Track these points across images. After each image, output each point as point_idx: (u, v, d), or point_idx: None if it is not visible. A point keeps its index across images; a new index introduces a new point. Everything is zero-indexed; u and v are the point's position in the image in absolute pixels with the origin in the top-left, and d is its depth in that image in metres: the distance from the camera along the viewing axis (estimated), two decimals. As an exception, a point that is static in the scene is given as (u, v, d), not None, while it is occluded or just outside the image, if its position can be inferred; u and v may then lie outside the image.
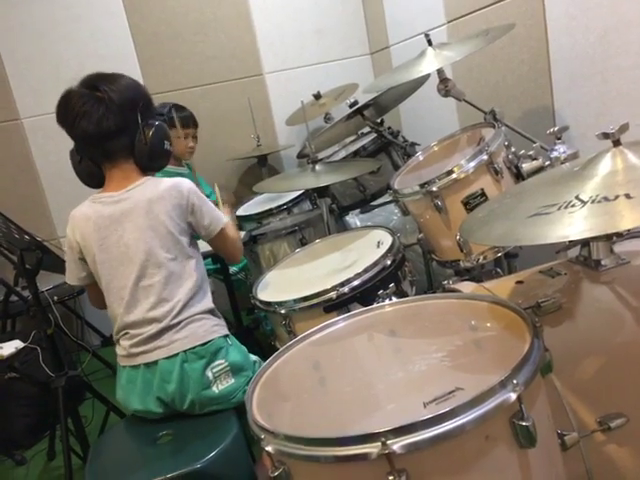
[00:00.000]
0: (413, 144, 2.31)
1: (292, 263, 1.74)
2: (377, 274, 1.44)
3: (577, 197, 0.91)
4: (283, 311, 1.45)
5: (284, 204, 2.63)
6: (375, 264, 1.46)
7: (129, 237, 1.37)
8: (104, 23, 3.09)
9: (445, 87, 1.75)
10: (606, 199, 0.86)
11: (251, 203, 2.86)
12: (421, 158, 1.79)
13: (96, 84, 1.35)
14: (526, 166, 1.50)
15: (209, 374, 1.36)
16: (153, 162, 1.44)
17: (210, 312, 1.43)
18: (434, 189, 1.47)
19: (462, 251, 1.48)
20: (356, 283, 1.42)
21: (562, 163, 1.36)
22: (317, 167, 1.89)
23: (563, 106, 2.00)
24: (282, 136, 3.41)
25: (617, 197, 0.86)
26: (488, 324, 1.03)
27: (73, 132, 1.37)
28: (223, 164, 3.22)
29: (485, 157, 1.46)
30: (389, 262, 1.48)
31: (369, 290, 1.42)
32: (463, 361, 0.97)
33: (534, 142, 1.67)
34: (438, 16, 2.57)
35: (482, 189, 1.48)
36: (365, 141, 2.40)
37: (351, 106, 2.20)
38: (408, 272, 1.62)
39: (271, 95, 3.37)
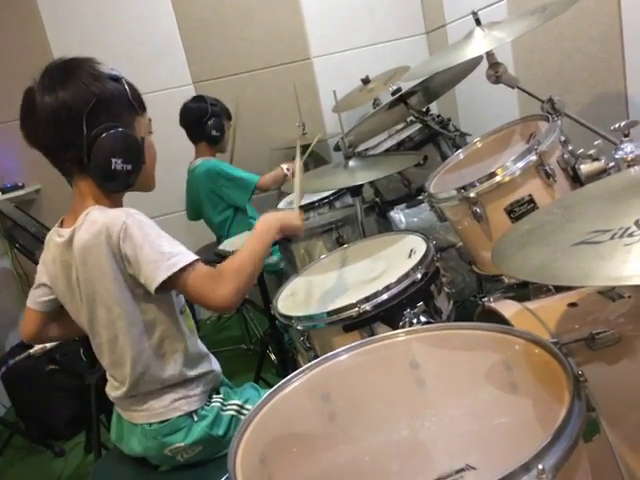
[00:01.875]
0: (463, 134, 2.10)
1: (318, 270, 1.60)
2: (404, 290, 1.27)
3: (637, 223, 0.72)
4: (300, 327, 1.32)
5: (326, 197, 2.52)
6: (404, 277, 1.29)
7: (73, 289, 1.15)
8: (150, 10, 3.06)
9: (495, 73, 1.52)
10: (675, 229, 0.67)
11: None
12: (461, 156, 1.57)
13: (41, 82, 1.05)
14: (585, 168, 1.26)
15: (167, 453, 1.18)
16: (105, 184, 1.10)
17: (174, 385, 1.18)
18: (472, 195, 1.27)
19: (505, 265, 1.28)
20: (380, 300, 1.26)
21: (629, 166, 1.13)
22: (351, 163, 1.72)
23: (638, 92, 1.72)
24: (330, 124, 3.25)
25: (689, 227, 0.66)
26: (521, 371, 0.86)
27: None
28: (267, 153, 3.12)
29: (534, 157, 1.24)
30: (420, 275, 1.30)
31: (394, 308, 1.25)
32: (483, 424, 0.80)
33: (600, 135, 1.43)
34: (497, -11, 2.31)
35: (530, 195, 1.26)
36: (411, 130, 2.21)
37: (393, 93, 2.01)
38: (446, 283, 1.45)
39: (319, 80, 3.22)
